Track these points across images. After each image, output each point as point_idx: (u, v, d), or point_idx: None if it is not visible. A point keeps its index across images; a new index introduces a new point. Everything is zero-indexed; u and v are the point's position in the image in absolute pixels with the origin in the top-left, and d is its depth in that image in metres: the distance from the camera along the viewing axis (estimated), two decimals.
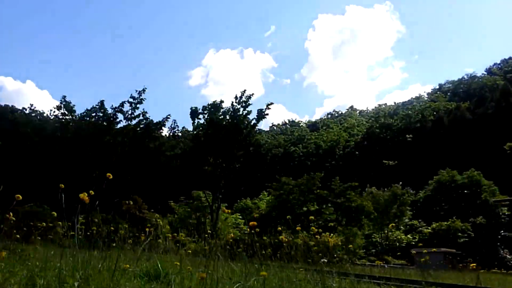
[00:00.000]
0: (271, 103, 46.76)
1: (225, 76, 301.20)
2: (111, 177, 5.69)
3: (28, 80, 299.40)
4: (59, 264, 6.30)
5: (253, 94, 46.36)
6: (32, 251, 9.93)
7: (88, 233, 8.70)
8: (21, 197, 5.46)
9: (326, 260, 7.65)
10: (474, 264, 14.68)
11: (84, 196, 4.79)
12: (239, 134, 45.49)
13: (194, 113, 47.39)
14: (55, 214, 7.35)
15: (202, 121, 47.61)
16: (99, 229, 8.42)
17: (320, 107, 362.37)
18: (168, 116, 57.04)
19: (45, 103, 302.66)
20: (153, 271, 6.70)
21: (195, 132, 48.44)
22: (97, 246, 7.29)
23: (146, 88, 54.04)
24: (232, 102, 46.13)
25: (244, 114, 46.02)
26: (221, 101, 46.91)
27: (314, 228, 9.66)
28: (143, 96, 54.10)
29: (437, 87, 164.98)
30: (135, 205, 47.20)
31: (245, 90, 46.13)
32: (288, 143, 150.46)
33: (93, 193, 5.48)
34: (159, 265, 6.90)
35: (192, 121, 47.91)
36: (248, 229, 6.84)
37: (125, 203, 41.25)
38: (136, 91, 53.86)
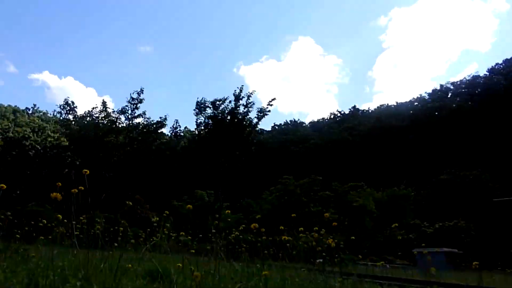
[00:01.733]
0: (274, 99, 46.27)
1: (300, 73, 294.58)
2: (88, 172, 5.71)
3: (70, 76, 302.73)
4: (61, 263, 6.30)
5: (254, 91, 45.76)
6: (34, 250, 9.93)
7: (91, 233, 8.71)
8: (5, 186, 5.48)
9: (322, 260, 7.64)
10: (477, 263, 14.62)
11: (56, 195, 4.79)
12: (241, 133, 45.22)
13: (200, 106, 46.84)
14: (60, 216, 7.35)
15: (202, 119, 47.09)
16: (99, 229, 8.43)
17: (369, 103, 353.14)
18: (166, 116, 57.36)
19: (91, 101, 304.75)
20: (156, 271, 6.70)
21: (196, 132, 48.08)
22: (100, 246, 7.30)
23: (143, 89, 54.68)
24: (231, 100, 45.68)
25: (245, 112, 45.55)
26: (221, 99, 46.56)
27: (316, 228, 9.65)
28: (141, 96, 54.52)
29: (439, 87, 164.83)
30: (138, 204, 47.29)
31: (242, 86, 45.59)
32: (290, 143, 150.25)
33: (76, 191, 5.52)
34: (161, 265, 6.90)
35: (196, 116, 47.42)
36: (251, 229, 6.85)
37: (127, 203, 41.22)
38: (134, 91, 54.36)
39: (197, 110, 47.18)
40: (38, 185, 74.60)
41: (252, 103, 45.51)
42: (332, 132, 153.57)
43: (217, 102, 46.38)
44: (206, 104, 47.02)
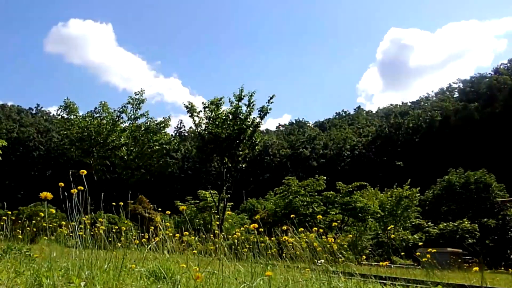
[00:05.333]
0: (273, 96, 45.92)
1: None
2: (85, 173, 5.74)
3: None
4: (65, 264, 6.32)
5: (255, 91, 45.31)
6: (38, 250, 9.96)
7: (94, 233, 8.73)
8: None
9: (322, 261, 7.64)
10: (480, 264, 14.65)
11: (46, 194, 4.80)
12: (243, 133, 44.95)
13: (191, 110, 46.49)
14: (63, 214, 7.39)
15: (203, 118, 46.58)
16: (103, 229, 8.44)
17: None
18: (170, 116, 57.50)
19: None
20: (159, 271, 6.71)
21: (197, 131, 47.71)
22: (103, 246, 7.31)
23: (143, 89, 54.81)
24: (231, 100, 45.29)
25: (248, 112, 45.16)
26: (221, 98, 46.25)
27: (320, 229, 9.69)
28: (143, 96, 54.61)
29: (447, 86, 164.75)
30: (141, 205, 47.35)
31: (243, 87, 45.24)
32: (296, 143, 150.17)
33: (74, 191, 5.54)
34: (164, 265, 6.91)
35: (191, 118, 47.10)
36: (254, 229, 6.91)
37: (130, 203, 41.37)
38: (135, 92, 54.50)
39: (189, 114, 46.86)
40: (43, 185, 74.78)
41: (254, 102, 45.15)
42: (339, 132, 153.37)
43: (211, 105, 46.06)
44: (198, 110, 46.63)
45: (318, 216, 37.51)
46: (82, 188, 5.71)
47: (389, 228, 50.98)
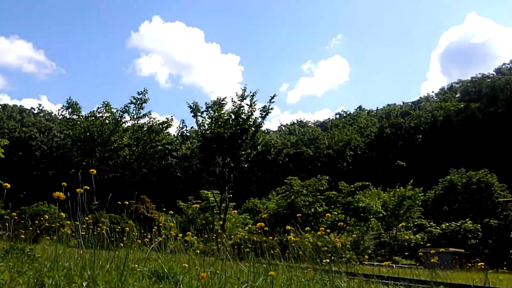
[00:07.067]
0: (274, 95, 46.06)
1: None
2: (94, 172, 5.74)
3: None
4: (67, 263, 6.30)
5: (257, 90, 45.36)
6: (40, 250, 9.95)
7: (96, 233, 8.72)
8: (9, 185, 5.46)
9: (328, 260, 7.63)
10: (482, 264, 14.61)
11: (59, 194, 4.80)
12: (245, 133, 44.93)
13: (195, 110, 46.45)
14: (63, 214, 7.37)
15: (206, 118, 46.53)
16: (105, 229, 8.43)
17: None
18: (172, 116, 57.26)
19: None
20: (161, 271, 6.70)
21: (199, 131, 47.65)
22: (105, 246, 7.30)
23: (147, 89, 54.56)
24: (233, 99, 45.32)
25: (250, 112, 45.17)
26: (224, 98, 46.29)
27: (322, 228, 9.69)
28: (146, 96, 54.32)
29: (448, 86, 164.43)
30: (143, 205, 47.29)
31: (245, 86, 45.36)
32: (298, 143, 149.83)
33: (81, 191, 5.55)
34: (167, 265, 6.90)
35: (194, 119, 47.01)
36: (257, 229, 6.92)
37: (133, 203, 41.30)
38: (138, 92, 54.23)
39: (192, 114, 46.83)
40: (45, 185, 74.72)
41: (255, 102, 45.21)
42: (342, 132, 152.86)
43: (214, 105, 46.11)
44: (201, 110, 46.62)
45: (327, 215, 37.60)
46: (88, 187, 5.72)
47: (399, 226, 51.00)
